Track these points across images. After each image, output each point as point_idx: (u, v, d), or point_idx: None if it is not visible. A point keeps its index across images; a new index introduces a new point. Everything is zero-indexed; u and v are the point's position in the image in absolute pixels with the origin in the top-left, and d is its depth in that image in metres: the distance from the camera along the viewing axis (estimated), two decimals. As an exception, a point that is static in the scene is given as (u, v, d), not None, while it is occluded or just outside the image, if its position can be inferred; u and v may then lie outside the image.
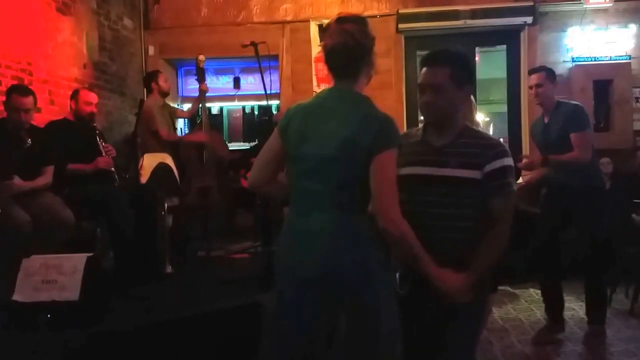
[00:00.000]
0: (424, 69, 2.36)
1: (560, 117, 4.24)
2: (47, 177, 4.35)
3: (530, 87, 4.41)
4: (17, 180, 4.08)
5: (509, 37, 7.21)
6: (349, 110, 2.15)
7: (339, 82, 2.24)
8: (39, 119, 4.86)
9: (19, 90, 4.28)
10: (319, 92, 2.32)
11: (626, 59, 6.92)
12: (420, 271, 2.15)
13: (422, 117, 2.63)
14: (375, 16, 6.95)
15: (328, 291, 2.11)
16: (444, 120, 2.33)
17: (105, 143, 4.88)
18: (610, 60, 6.95)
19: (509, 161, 2.29)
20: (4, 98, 4.32)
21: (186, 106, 7.43)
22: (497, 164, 2.26)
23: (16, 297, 3.23)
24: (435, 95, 2.29)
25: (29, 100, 4.21)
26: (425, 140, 2.39)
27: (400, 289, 2.27)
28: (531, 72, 4.52)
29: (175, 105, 7.37)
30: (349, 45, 2.18)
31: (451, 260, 2.19)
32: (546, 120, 4.36)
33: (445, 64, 2.30)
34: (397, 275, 2.31)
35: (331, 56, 2.21)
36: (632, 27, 6.94)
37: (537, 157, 4.56)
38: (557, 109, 4.29)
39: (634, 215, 5.45)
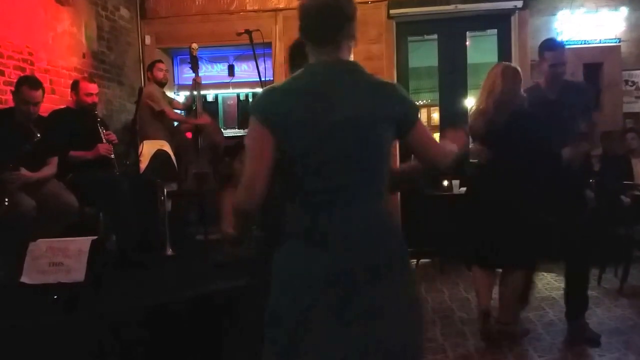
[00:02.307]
0: None
1: (574, 95, 3.97)
2: (52, 167, 4.47)
3: (554, 66, 3.97)
4: (23, 171, 4.18)
5: (500, 21, 7.26)
6: (355, 85, 1.89)
7: (319, 52, 1.92)
8: (41, 108, 4.96)
9: (30, 82, 4.32)
10: (302, 71, 1.94)
11: (616, 42, 6.98)
12: None
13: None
14: (366, 2, 7.01)
15: (371, 287, 1.84)
16: None
17: (106, 131, 5.00)
18: (600, 43, 7.00)
19: None
20: (8, 88, 4.40)
21: (182, 94, 7.54)
22: None
23: (24, 279, 3.34)
24: None
25: (38, 93, 4.28)
26: None
27: None
28: (553, 47, 4.05)
29: (172, 94, 7.47)
30: (329, 5, 1.87)
31: None
32: (553, 97, 4.01)
33: None
34: None
35: (308, 18, 1.92)
36: (623, 10, 6.99)
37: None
38: (567, 86, 4.03)
39: (622, 197, 5.57)
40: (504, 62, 4.44)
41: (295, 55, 2.19)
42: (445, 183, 6.60)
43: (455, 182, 6.38)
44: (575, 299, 4.08)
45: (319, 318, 1.82)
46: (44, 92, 4.40)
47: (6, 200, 3.93)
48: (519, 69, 4.12)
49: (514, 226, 3.85)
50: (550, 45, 4.08)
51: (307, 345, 1.82)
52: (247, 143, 1.86)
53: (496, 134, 3.88)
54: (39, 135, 4.23)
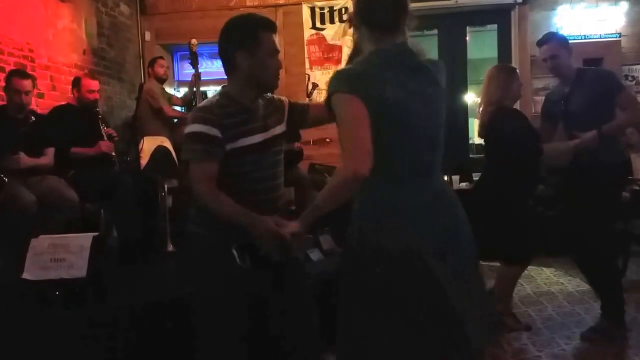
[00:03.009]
0: None
1: (588, 84, 3.84)
2: (48, 157, 4.53)
3: (545, 60, 4.00)
4: (22, 155, 4.27)
5: (500, 16, 7.29)
6: (427, 64, 2.06)
7: (385, 38, 2.01)
8: (42, 105, 5.00)
9: (18, 73, 4.45)
10: (378, 53, 2.00)
11: (616, 37, 6.99)
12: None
13: None
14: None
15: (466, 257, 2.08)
16: None
17: (107, 128, 5.03)
18: (601, 38, 7.01)
19: None
20: (4, 84, 4.44)
21: (182, 90, 7.55)
22: None
23: (25, 275, 3.35)
24: None
25: (28, 82, 4.37)
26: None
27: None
28: (541, 42, 4.06)
29: (172, 90, 7.49)
30: None
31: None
32: (567, 90, 3.94)
33: None
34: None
35: (380, 5, 2.00)
36: (623, 5, 7.00)
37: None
38: (580, 76, 3.91)
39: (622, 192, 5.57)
40: (498, 64, 4.46)
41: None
42: (446, 178, 6.60)
43: (455, 178, 6.39)
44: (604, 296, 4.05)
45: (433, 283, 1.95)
46: (34, 83, 4.50)
47: (5, 178, 4.02)
48: (513, 68, 4.20)
49: (508, 220, 3.89)
50: (538, 42, 4.12)
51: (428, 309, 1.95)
52: (345, 117, 1.92)
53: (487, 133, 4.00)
54: (33, 118, 4.37)
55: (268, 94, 2.50)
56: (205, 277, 2.35)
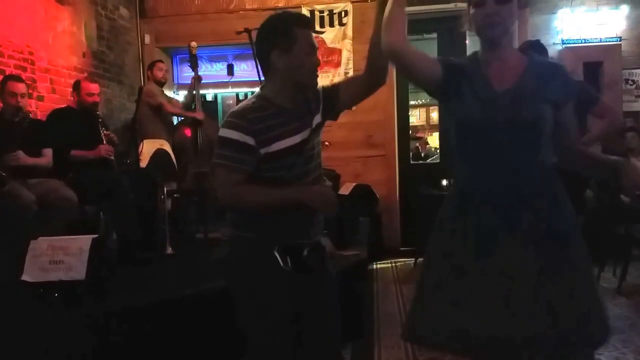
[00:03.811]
0: None
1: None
2: (47, 158, 4.55)
3: None
4: (21, 154, 4.28)
5: (500, 20, 7.26)
6: None
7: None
8: (42, 107, 5.00)
9: (12, 77, 4.51)
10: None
11: (616, 41, 6.98)
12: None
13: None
14: (366, 0, 7.04)
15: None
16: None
17: (107, 131, 5.03)
18: (601, 42, 7.00)
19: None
20: (-1, 89, 4.48)
21: (182, 93, 7.55)
22: None
23: (25, 277, 3.35)
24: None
25: (22, 85, 4.43)
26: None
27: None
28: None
29: (171, 93, 7.49)
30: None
31: None
32: None
33: None
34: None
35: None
36: (623, 8, 6.98)
37: None
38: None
39: (622, 196, 5.58)
40: None
41: None
42: (444, 182, 6.61)
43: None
44: None
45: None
46: (27, 87, 4.53)
47: (4, 174, 4.02)
48: None
49: None
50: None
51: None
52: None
53: None
54: (29, 114, 4.45)
55: None
56: (250, 279, 2.26)
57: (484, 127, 2.03)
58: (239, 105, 2.32)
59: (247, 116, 2.20)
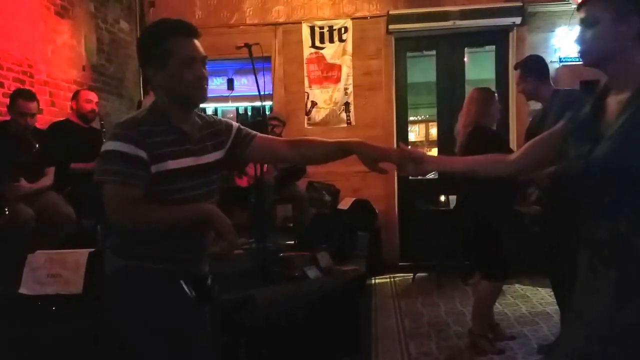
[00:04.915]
0: None
1: (557, 106, 3.93)
2: (49, 178, 4.54)
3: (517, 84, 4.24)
4: (23, 182, 4.27)
5: (498, 38, 7.30)
6: None
7: None
8: (41, 120, 4.99)
9: (24, 95, 4.41)
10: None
11: (613, 59, 7.04)
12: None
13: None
14: (365, 17, 7.10)
15: None
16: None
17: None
18: (597, 60, 7.07)
19: None
20: (7, 100, 4.45)
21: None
22: None
23: (22, 290, 3.35)
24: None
25: (34, 105, 4.37)
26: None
27: None
28: (515, 67, 4.32)
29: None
30: None
31: None
32: (543, 111, 4.14)
33: None
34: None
35: None
36: (619, 27, 7.05)
37: None
38: (553, 98, 4.05)
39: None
40: (478, 87, 4.53)
41: None
42: (443, 198, 6.64)
43: (452, 198, 6.40)
44: None
45: None
46: (38, 104, 4.49)
47: (6, 210, 4.00)
48: (492, 92, 4.40)
49: (487, 236, 4.04)
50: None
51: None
52: None
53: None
54: (37, 146, 4.31)
55: (212, 116, 2.27)
56: (151, 311, 2.01)
57: None
58: (127, 117, 2.10)
59: (139, 128, 1.97)
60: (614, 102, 1.82)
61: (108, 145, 1.95)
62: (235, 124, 2.27)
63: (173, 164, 1.99)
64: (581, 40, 1.86)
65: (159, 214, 1.97)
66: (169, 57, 1.98)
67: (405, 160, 2.26)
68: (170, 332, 2.01)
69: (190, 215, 1.99)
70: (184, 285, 2.04)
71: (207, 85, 2.07)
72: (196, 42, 2.05)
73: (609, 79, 1.87)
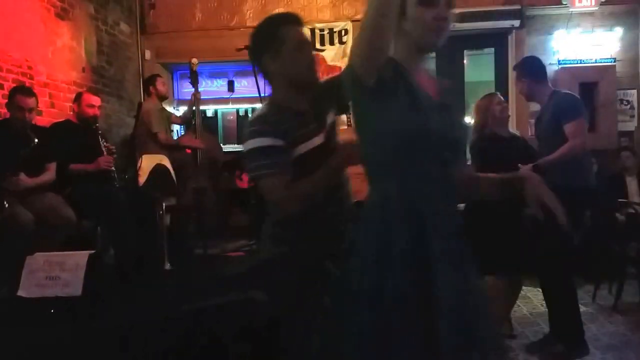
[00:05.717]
0: None
1: (552, 107, 4.04)
2: (50, 173, 4.55)
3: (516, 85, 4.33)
4: (23, 176, 4.26)
5: (497, 40, 7.33)
6: None
7: None
8: (41, 122, 5.00)
9: (22, 90, 4.45)
10: None
11: (611, 62, 7.07)
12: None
13: None
14: (365, 20, 7.10)
15: None
16: None
17: (107, 143, 5.03)
18: (596, 62, 7.09)
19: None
20: (5, 101, 4.46)
21: (182, 109, 7.57)
22: None
23: (21, 293, 3.33)
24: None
25: (32, 100, 4.39)
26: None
27: None
28: (513, 69, 4.42)
29: (171, 108, 7.51)
30: None
31: None
32: (540, 112, 4.24)
33: None
34: None
35: None
36: (618, 30, 7.09)
37: None
38: (550, 99, 4.09)
39: (617, 214, 5.60)
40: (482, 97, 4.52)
41: None
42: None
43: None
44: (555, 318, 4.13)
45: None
46: (37, 100, 4.51)
47: (5, 203, 4.00)
48: (492, 93, 4.46)
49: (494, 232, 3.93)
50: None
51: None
52: None
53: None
54: (36, 140, 4.31)
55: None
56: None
57: None
58: (253, 115, 2.25)
59: (268, 120, 2.14)
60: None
61: (250, 144, 2.12)
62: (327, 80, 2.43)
63: (306, 146, 2.16)
64: (448, 20, 1.84)
65: (312, 183, 2.09)
66: (282, 44, 2.17)
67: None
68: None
69: (331, 169, 2.10)
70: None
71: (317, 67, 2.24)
72: (302, 29, 2.26)
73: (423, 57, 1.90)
